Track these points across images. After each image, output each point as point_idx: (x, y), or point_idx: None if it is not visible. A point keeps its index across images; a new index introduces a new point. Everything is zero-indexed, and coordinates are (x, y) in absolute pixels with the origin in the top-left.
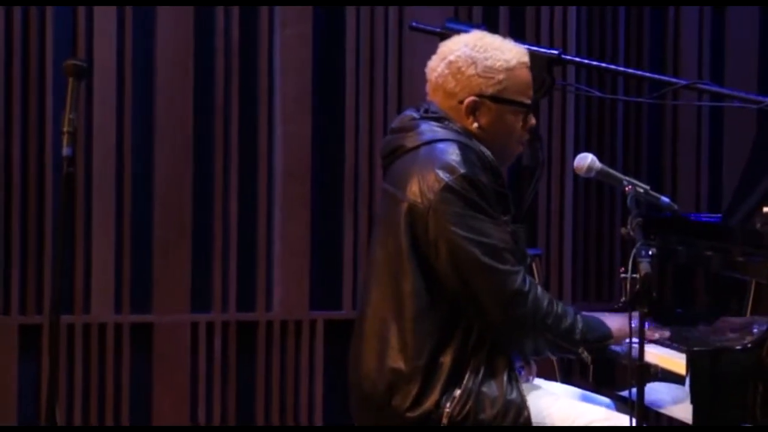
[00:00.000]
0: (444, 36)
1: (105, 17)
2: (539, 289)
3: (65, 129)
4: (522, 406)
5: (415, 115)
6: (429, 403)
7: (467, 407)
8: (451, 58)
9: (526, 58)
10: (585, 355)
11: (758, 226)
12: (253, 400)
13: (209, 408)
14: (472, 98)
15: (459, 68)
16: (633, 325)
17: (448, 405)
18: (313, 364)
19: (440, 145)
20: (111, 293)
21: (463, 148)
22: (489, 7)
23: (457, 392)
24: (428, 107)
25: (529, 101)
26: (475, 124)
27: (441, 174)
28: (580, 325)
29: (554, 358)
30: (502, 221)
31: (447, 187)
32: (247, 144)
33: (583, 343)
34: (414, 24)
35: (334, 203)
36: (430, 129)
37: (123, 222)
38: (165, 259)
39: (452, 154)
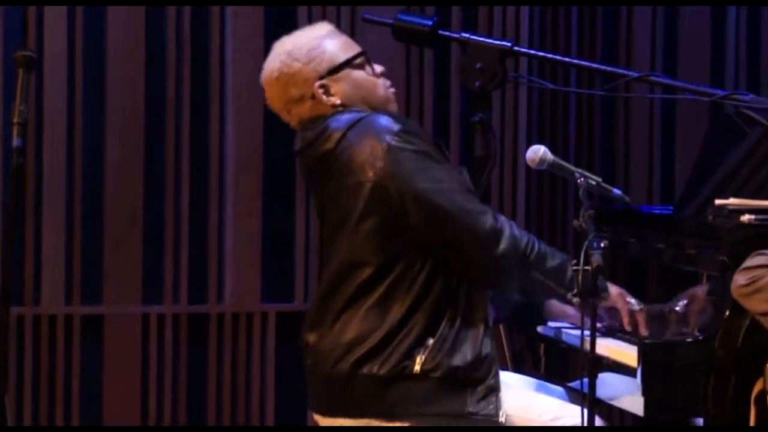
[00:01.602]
0: (396, 28)
1: (55, 8)
2: (515, 226)
3: (15, 120)
4: (492, 362)
5: (311, 125)
6: (398, 357)
7: (440, 355)
8: (275, 75)
9: (329, 26)
10: (576, 300)
11: (710, 218)
12: (204, 392)
13: (160, 400)
14: (314, 87)
15: (285, 74)
16: (630, 299)
17: (420, 353)
18: (264, 356)
19: (365, 120)
20: (61, 285)
21: (382, 114)
22: (441, 7)
23: (429, 342)
24: (313, 119)
25: (358, 50)
26: (338, 101)
27: (379, 138)
28: (569, 270)
29: (506, 347)
30: (450, 165)
31: (391, 148)
32: (198, 135)
33: (573, 287)
34: (366, 15)
35: (286, 195)
36: (337, 119)
37: (73, 213)
38: (116, 250)
39: (380, 119)
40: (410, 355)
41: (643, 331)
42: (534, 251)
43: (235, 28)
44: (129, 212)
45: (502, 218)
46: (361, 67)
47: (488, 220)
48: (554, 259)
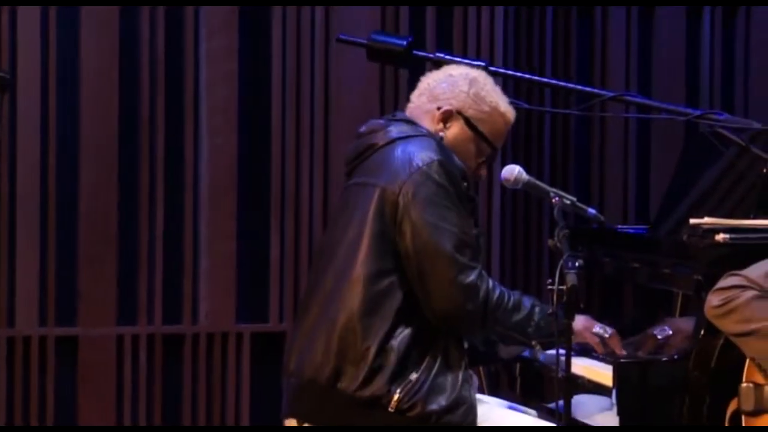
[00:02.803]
0: (370, 48)
1: (28, 30)
2: (491, 282)
3: None
4: (472, 405)
5: (382, 121)
6: (379, 384)
7: (417, 396)
8: (453, 72)
9: (512, 117)
10: (537, 348)
11: (685, 237)
12: (179, 413)
13: (135, 421)
14: (450, 108)
15: (455, 82)
16: (596, 329)
17: (398, 391)
18: (239, 376)
19: (416, 140)
20: (36, 306)
21: (439, 144)
22: (416, 7)
23: (412, 377)
24: (395, 113)
25: (495, 146)
26: (441, 133)
27: (416, 159)
28: (536, 318)
29: (482, 370)
30: (467, 215)
31: (420, 171)
32: (173, 156)
33: (537, 336)
34: (341, 36)
35: (260, 216)
36: (399, 129)
37: (48, 234)
38: (90, 271)
39: (428, 146)
40: (389, 388)
41: (619, 352)
42: (501, 308)
43: (208, 49)
44: (103, 233)
45: (484, 276)
46: (482, 150)
47: (470, 276)
48: (520, 313)
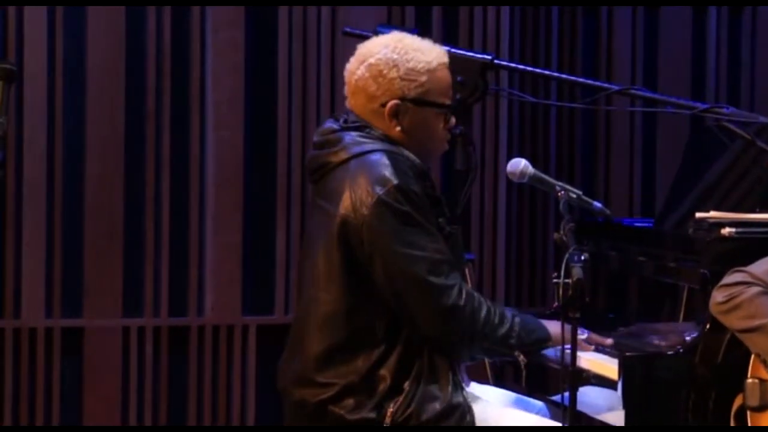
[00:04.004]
0: None
1: (35, 22)
2: (476, 298)
3: None
4: (465, 410)
5: (335, 126)
6: (371, 407)
7: (410, 409)
8: (372, 60)
9: (445, 59)
10: (521, 358)
11: (690, 231)
12: (185, 405)
13: (140, 413)
14: (394, 102)
15: (380, 71)
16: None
17: (391, 406)
18: (245, 368)
19: (370, 157)
20: (42, 297)
21: (393, 158)
22: (422, 7)
23: (400, 396)
24: (347, 117)
25: (450, 102)
26: (398, 128)
27: (373, 187)
28: (517, 329)
29: (488, 361)
30: (436, 231)
31: (380, 201)
32: (178, 149)
33: (519, 347)
34: (347, 29)
35: (266, 208)
36: (354, 141)
37: (54, 226)
38: (96, 263)
39: (383, 165)
40: (381, 406)
41: (608, 343)
42: (488, 324)
43: (215, 42)
44: (109, 225)
45: (467, 292)
46: (440, 114)
47: (451, 297)
48: (504, 326)
